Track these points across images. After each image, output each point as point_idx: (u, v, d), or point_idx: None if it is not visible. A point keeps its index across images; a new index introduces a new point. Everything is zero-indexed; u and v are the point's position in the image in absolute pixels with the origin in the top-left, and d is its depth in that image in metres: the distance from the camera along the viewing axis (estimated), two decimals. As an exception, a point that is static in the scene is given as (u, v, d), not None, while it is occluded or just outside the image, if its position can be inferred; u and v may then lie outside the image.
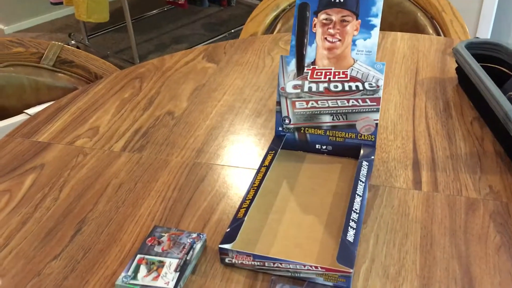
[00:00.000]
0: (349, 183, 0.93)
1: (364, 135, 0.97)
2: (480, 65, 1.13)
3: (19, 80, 1.47)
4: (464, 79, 1.23)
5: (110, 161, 1.05)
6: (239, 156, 1.05)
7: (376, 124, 0.96)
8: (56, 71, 1.52)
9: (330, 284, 0.75)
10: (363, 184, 0.89)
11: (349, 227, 0.80)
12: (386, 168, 0.99)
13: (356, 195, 0.86)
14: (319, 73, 0.97)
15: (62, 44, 1.54)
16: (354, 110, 0.96)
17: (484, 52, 1.21)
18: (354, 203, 0.84)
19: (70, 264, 0.82)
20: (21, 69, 1.47)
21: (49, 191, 0.97)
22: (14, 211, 0.93)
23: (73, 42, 4.25)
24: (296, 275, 0.76)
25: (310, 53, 0.97)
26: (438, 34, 1.76)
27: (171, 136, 1.12)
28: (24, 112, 1.41)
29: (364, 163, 0.93)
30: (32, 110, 1.42)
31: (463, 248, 0.81)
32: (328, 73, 0.96)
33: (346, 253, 0.75)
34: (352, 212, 0.82)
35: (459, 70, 1.25)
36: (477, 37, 1.26)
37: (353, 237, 0.78)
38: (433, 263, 0.79)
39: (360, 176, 0.90)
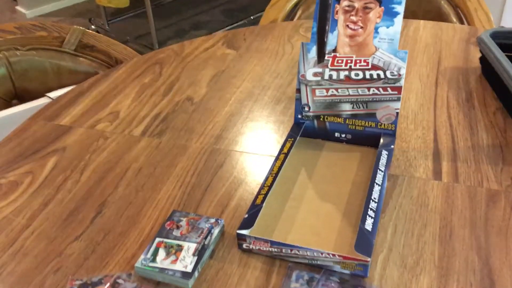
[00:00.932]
0: (368, 172, 0.93)
1: (384, 124, 0.97)
2: (505, 54, 1.11)
3: (42, 63, 1.49)
4: (487, 69, 1.20)
5: (130, 145, 1.06)
6: (257, 142, 1.05)
7: (397, 113, 0.95)
8: (77, 56, 1.54)
9: (347, 272, 0.75)
10: (382, 173, 0.88)
11: (367, 216, 0.79)
12: (405, 157, 0.99)
13: (375, 184, 0.85)
14: (340, 61, 0.96)
15: (84, 28, 1.55)
16: (374, 99, 0.95)
17: (509, 42, 1.19)
18: (373, 192, 0.84)
19: (91, 246, 0.83)
20: (43, 52, 1.49)
21: (70, 173, 0.99)
22: (36, 193, 0.95)
23: (93, 27, 4.28)
24: (313, 262, 0.76)
25: (331, 40, 0.96)
26: (462, 23, 1.73)
27: (190, 121, 1.13)
28: (46, 96, 1.43)
29: (384, 152, 0.93)
30: (54, 94, 1.44)
31: (482, 239, 0.80)
32: (349, 61, 0.96)
33: (364, 242, 0.75)
34: (371, 201, 0.82)
35: (483, 59, 1.22)
36: (502, 26, 1.24)
37: (371, 226, 0.78)
38: (452, 254, 0.78)
39: (379, 165, 0.90)
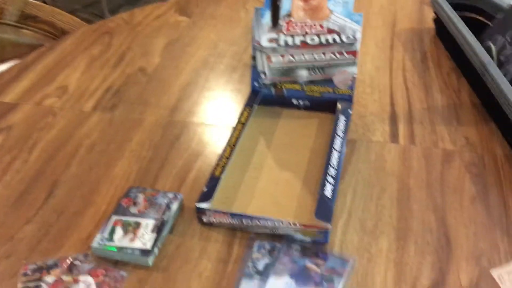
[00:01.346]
0: (327, 139, 0.92)
1: (341, 89, 0.96)
2: (458, 14, 1.11)
3: (-19, 37, 1.40)
4: (441, 29, 1.21)
5: (81, 121, 1.01)
6: (215, 113, 1.03)
7: (353, 77, 0.94)
8: (20, 27, 1.45)
9: (308, 239, 0.75)
10: (341, 139, 0.88)
11: (327, 183, 0.79)
12: (363, 122, 0.99)
13: (334, 150, 0.85)
14: (295, 26, 0.94)
15: (25, -2, 1.46)
16: (331, 64, 0.94)
17: (462, 1, 1.19)
18: (332, 159, 0.83)
19: (44, 228, 0.80)
20: (-18, 25, 1.40)
21: (18, 153, 0.94)
22: (-17, 175, 0.90)
23: (39, -4, 4.06)
24: (275, 232, 0.76)
25: (285, 4, 0.93)
26: (416, -17, 1.73)
27: (144, 94, 1.09)
28: (-12, 71, 1.35)
29: (342, 117, 0.92)
30: (-3, 69, 1.35)
31: (439, 200, 0.82)
32: (304, 26, 0.93)
33: (324, 209, 0.75)
34: (330, 167, 0.82)
35: (437, 20, 1.23)
36: (455, -14, 1.24)
37: (330, 193, 0.78)
38: (410, 215, 0.79)
39: (338, 131, 0.89)
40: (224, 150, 0.87)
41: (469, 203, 0.81)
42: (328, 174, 0.80)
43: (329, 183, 0.79)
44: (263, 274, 0.71)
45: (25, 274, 0.73)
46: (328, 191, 0.78)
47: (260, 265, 0.72)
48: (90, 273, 0.73)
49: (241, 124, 0.92)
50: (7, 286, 0.71)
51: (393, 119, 0.99)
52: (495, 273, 0.70)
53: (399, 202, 0.81)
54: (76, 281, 0.71)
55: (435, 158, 0.89)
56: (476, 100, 1.03)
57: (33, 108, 1.05)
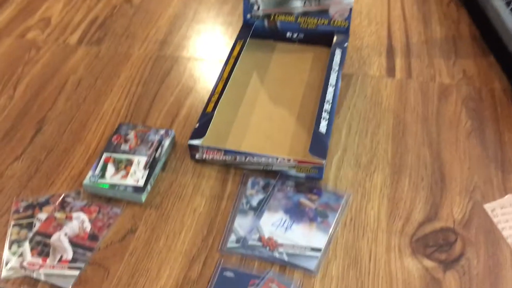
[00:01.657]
0: (322, 73, 0.89)
1: (337, 21, 0.92)
2: None
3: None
4: (442, -43, 1.15)
5: (66, 55, 0.97)
6: (205, 47, 0.99)
7: (350, 8, 0.90)
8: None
9: (303, 175, 0.74)
10: (336, 73, 0.85)
11: (322, 118, 0.78)
12: (359, 55, 0.96)
13: (329, 85, 0.83)
14: (289, -48, 0.88)
15: None
16: (327, -6, 0.90)
17: None
18: (327, 94, 0.81)
19: (33, 165, 0.78)
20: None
21: (2, 89, 0.91)
22: (-33, 112, 0.87)
23: None
24: (268, 168, 0.75)
25: None
26: None
27: (131, 26, 1.04)
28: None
29: (337, 51, 0.89)
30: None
31: (434, 134, 0.81)
32: (299, -48, 0.88)
33: (319, 145, 0.74)
34: (325, 103, 0.80)
35: None
36: None
37: (325, 128, 0.77)
38: (405, 150, 0.78)
39: (333, 65, 0.86)
40: (216, 86, 0.84)
41: (464, 138, 0.80)
42: (323, 110, 0.79)
43: (324, 118, 0.78)
44: (257, 210, 0.71)
45: (17, 211, 0.72)
46: (323, 126, 0.77)
47: (254, 201, 0.72)
48: (83, 210, 0.72)
49: (233, 58, 0.89)
50: (-1, 223, 0.71)
51: (390, 52, 0.96)
52: (488, 207, 0.70)
53: (395, 137, 0.80)
54: (69, 218, 0.71)
55: (431, 92, 0.88)
56: (475, 32, 0.99)
57: (15, 42, 1.01)
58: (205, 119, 0.79)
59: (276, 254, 0.66)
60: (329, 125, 0.77)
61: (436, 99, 0.86)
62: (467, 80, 0.89)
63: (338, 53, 0.89)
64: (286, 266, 0.65)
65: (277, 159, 0.73)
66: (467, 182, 0.74)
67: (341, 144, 0.80)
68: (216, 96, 0.82)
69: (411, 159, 0.77)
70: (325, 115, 0.78)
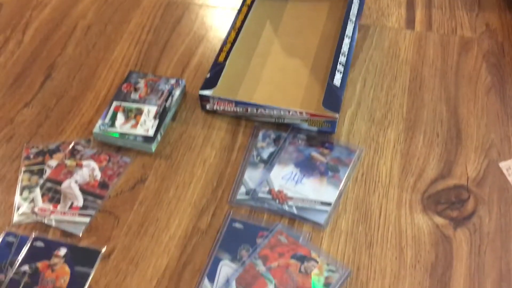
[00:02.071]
0: (338, 24, 0.86)
1: (356, -32, 0.88)
2: None
3: None
4: None
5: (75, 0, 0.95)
6: (218, -7, 0.96)
7: (371, -46, 0.86)
8: None
9: (315, 129, 0.73)
10: (353, 24, 0.82)
11: (336, 71, 0.75)
12: (378, 6, 0.92)
13: (345, 36, 0.80)
14: None
15: None
16: None
17: None
18: (343, 45, 0.79)
19: (43, 112, 0.78)
20: None
21: (11, 34, 0.89)
22: (-24, 57, 0.86)
23: None
24: (280, 121, 0.73)
25: None
26: None
27: (142, -30, 1.00)
28: None
29: (355, 0, 0.85)
30: None
31: (452, 89, 0.78)
32: None
33: (332, 98, 0.72)
34: (340, 55, 0.77)
35: None
36: None
37: (340, 81, 0.75)
38: (421, 105, 0.76)
39: (350, 15, 0.83)
40: (228, 35, 0.81)
41: (483, 94, 0.77)
42: (338, 62, 0.76)
43: (339, 71, 0.75)
44: (268, 163, 0.70)
45: (28, 158, 0.72)
46: (337, 79, 0.74)
47: (265, 154, 0.71)
48: (93, 158, 0.72)
49: (247, 6, 0.86)
50: (10, 168, 0.71)
51: (410, 3, 0.92)
52: (504, 165, 0.69)
53: (411, 91, 0.78)
54: (79, 165, 0.71)
55: (452, 46, 0.84)
56: (501, -17, 0.94)
57: (23, -15, 0.98)
58: (217, 69, 0.77)
59: (286, 207, 0.65)
60: (343, 78, 0.75)
61: (456, 53, 0.83)
62: (490, 34, 0.86)
63: (355, 3, 0.85)
64: (295, 219, 0.65)
65: (289, 111, 0.72)
66: (484, 139, 0.72)
67: (355, 98, 0.78)
68: (228, 45, 0.80)
69: (426, 114, 0.75)
70: (340, 67, 0.76)
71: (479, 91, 0.78)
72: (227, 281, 0.59)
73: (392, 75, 0.80)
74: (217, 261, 0.61)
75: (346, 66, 0.76)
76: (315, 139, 0.73)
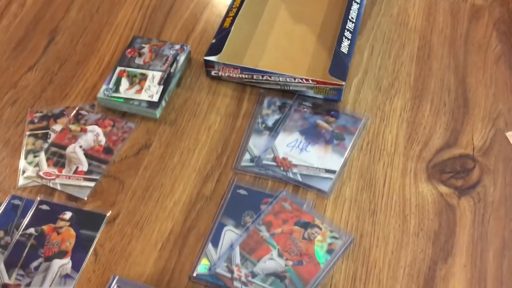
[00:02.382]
0: (346, -12, 0.84)
1: None
2: None
3: None
4: None
5: (78, -38, 0.92)
6: (224, -44, 0.93)
7: None
8: None
9: (321, 97, 0.72)
10: (362, -11, 0.80)
11: (344, 38, 0.74)
12: (387, -29, 0.89)
13: (353, 2, 0.78)
14: None
15: None
16: None
17: None
18: (350, 11, 0.77)
19: (47, 76, 0.77)
20: None
21: (13, -3, 0.88)
22: (-22, 20, 0.85)
23: None
24: (286, 88, 0.73)
25: None
26: None
27: None
28: None
29: (364, -35, 0.83)
30: None
31: (461, 58, 0.77)
32: None
33: (339, 65, 0.71)
34: (348, 21, 0.76)
35: None
36: None
37: (347, 48, 0.73)
38: (429, 74, 0.75)
39: (359, -20, 0.81)
40: (234, 0, 0.80)
41: (493, 62, 0.76)
42: (346, 29, 0.75)
43: (346, 38, 0.74)
44: (273, 130, 0.70)
45: (32, 122, 0.72)
46: (344, 46, 0.73)
47: (270, 121, 0.71)
48: (98, 123, 0.72)
49: (253, -31, 0.84)
50: (14, 132, 0.71)
51: (421, -31, 0.89)
52: (511, 135, 0.68)
53: (419, 59, 0.77)
54: (83, 130, 0.71)
55: (462, 13, 0.82)
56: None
57: None
58: (222, 34, 0.76)
59: (290, 175, 0.65)
60: (351, 45, 0.74)
61: (466, 20, 0.82)
62: (501, 1, 0.84)
63: (365, -32, 0.83)
64: (299, 186, 0.65)
65: (295, 78, 0.71)
66: (491, 109, 0.71)
67: (362, 66, 0.77)
68: (234, 11, 0.78)
69: (434, 83, 0.74)
70: (347, 34, 0.75)
71: (489, 60, 0.77)
72: (231, 246, 0.59)
73: (400, 42, 0.79)
74: (221, 227, 0.61)
75: (353, 33, 0.75)
76: (321, 107, 0.72)
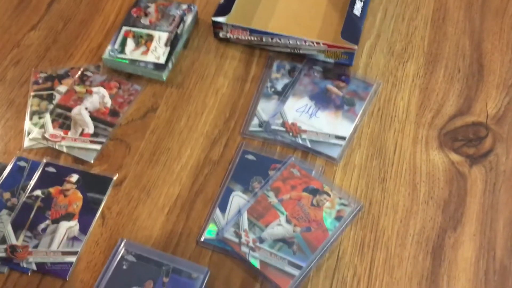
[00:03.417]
0: None
1: None
2: None
3: None
4: None
5: None
6: None
7: None
8: None
9: (331, 61, 0.70)
10: None
11: (357, 0, 0.72)
12: None
13: (368, -39, 0.75)
14: None
15: None
16: None
17: None
18: (365, -29, 0.74)
19: (51, 35, 0.75)
20: None
21: (14, -48, 0.84)
22: (-21, -24, 0.82)
23: None
24: (296, 51, 0.71)
25: None
26: None
27: None
28: None
29: None
30: None
31: (477, 23, 0.75)
32: None
33: (351, 28, 0.69)
34: (362, -19, 0.73)
35: None
36: None
37: (360, 11, 0.71)
38: (443, 38, 0.73)
39: None
40: (244, -43, 0.77)
41: (509, 28, 0.74)
42: (359, -11, 0.72)
43: (360, 0, 0.72)
44: (282, 95, 0.68)
45: (36, 83, 0.70)
46: (357, 9, 0.71)
47: (279, 85, 0.69)
48: (103, 85, 0.70)
49: None
50: (19, 93, 0.70)
51: None
52: (526, 103, 0.67)
53: (434, 23, 0.74)
54: (89, 92, 0.69)
55: (480, -24, 0.79)
56: None
57: None
58: (231, -6, 0.73)
59: (299, 140, 0.64)
60: (364, 7, 0.71)
61: (483, -17, 0.79)
62: (521, -36, 0.80)
63: None
64: (308, 152, 0.64)
65: (305, 41, 0.69)
66: (506, 76, 0.69)
67: (374, 29, 0.74)
68: (243, -31, 0.75)
69: (449, 48, 0.72)
70: (360, -5, 0.72)
71: (505, 25, 0.74)
72: (239, 212, 0.59)
73: (415, 5, 0.76)
74: (229, 192, 0.61)
75: (367, -6, 0.72)
76: (331, 71, 0.70)
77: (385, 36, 0.74)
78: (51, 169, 0.63)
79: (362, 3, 0.72)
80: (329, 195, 0.60)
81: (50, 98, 0.69)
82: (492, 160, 0.62)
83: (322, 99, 0.68)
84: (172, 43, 0.71)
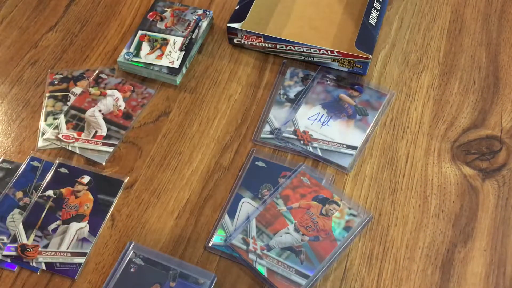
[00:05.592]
0: (377, -44, 0.81)
1: None
2: None
3: None
4: None
5: None
6: None
7: None
8: None
9: (345, 69, 0.70)
10: (394, -43, 0.77)
11: (372, 8, 0.71)
12: None
13: (385, -30, 0.75)
14: None
15: None
16: None
17: None
18: (381, -20, 0.74)
19: (68, 37, 0.76)
20: None
21: (35, -46, 0.86)
22: (-1, -23, 0.83)
23: None
24: (310, 59, 0.71)
25: None
26: None
27: None
28: None
29: None
30: None
31: (494, 34, 0.74)
32: None
33: (366, 37, 0.69)
34: (378, -10, 0.73)
35: None
36: None
37: (375, 20, 0.71)
38: (459, 50, 0.72)
39: None
40: (260, -37, 0.77)
41: (527, 41, 0.73)
42: (375, -1, 0.72)
43: (375, 9, 0.71)
44: (294, 102, 0.68)
45: (52, 84, 0.71)
46: (373, 18, 0.71)
47: (292, 93, 0.69)
48: (117, 87, 0.71)
49: None
50: (34, 93, 0.71)
51: None
52: (541, 118, 0.66)
53: (450, 34, 0.74)
54: (103, 94, 0.70)
55: (498, -13, 0.79)
56: None
57: None
58: (246, 1, 0.73)
59: (310, 149, 0.64)
60: (380, 17, 0.71)
61: (502, -5, 0.78)
62: (541, -24, 0.80)
63: None
64: (319, 161, 0.64)
65: (319, 50, 0.69)
66: (523, 90, 0.68)
67: (390, 39, 0.74)
68: (260, -25, 0.76)
69: (464, 59, 0.71)
70: (376, 4, 0.72)
71: (523, 38, 0.73)
72: (248, 219, 0.59)
73: (431, 15, 0.76)
74: (238, 198, 0.61)
75: (383, 3, 0.72)
76: (345, 80, 0.70)
77: (400, 46, 0.73)
78: (63, 170, 0.64)
79: (378, 12, 0.71)
80: (338, 205, 0.60)
81: (65, 99, 0.70)
82: (505, 174, 0.62)
83: (335, 108, 0.68)
84: (186, 47, 0.72)
